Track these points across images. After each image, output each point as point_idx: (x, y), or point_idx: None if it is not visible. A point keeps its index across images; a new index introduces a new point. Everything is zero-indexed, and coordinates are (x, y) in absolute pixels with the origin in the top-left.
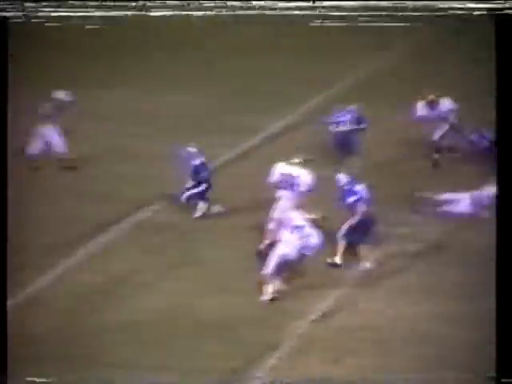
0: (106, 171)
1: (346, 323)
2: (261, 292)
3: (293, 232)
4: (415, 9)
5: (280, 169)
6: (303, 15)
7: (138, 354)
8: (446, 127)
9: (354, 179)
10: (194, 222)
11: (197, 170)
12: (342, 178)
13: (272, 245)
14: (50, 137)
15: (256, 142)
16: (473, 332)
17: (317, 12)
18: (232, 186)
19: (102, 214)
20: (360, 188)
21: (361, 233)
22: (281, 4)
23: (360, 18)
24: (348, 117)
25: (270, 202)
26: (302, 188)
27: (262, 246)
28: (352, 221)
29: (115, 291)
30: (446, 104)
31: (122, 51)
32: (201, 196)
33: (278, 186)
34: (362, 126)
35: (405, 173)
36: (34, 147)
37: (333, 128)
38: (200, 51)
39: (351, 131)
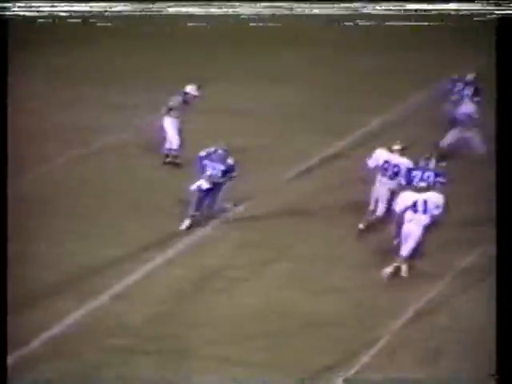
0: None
1: (440, 323)
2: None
3: (416, 211)
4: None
5: (380, 155)
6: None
7: (230, 348)
8: (456, 133)
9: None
10: (288, 217)
11: (229, 170)
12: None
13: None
14: (171, 131)
15: (353, 140)
16: None
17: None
18: (329, 183)
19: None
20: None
21: None
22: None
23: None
24: (469, 91)
25: (364, 201)
26: (402, 177)
27: (361, 226)
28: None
29: (209, 286)
30: (468, 107)
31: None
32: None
33: (377, 171)
34: (476, 98)
35: None
36: (167, 142)
37: (454, 102)
38: (301, 49)
39: (469, 104)
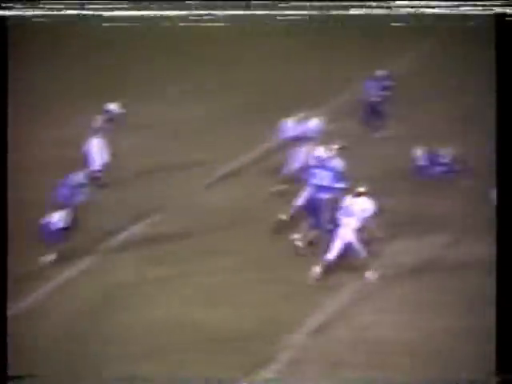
0: (118, 182)
1: (342, 335)
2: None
3: (349, 215)
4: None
5: (318, 152)
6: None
7: (138, 365)
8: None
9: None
10: (196, 232)
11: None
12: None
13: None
14: (97, 151)
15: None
16: (471, 345)
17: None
18: (238, 196)
19: (105, 225)
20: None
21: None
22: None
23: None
24: (379, 85)
25: (272, 213)
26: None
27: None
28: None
29: (115, 303)
30: (313, 123)
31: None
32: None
33: (310, 167)
34: (389, 92)
35: None
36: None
37: (366, 97)
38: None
39: (382, 99)
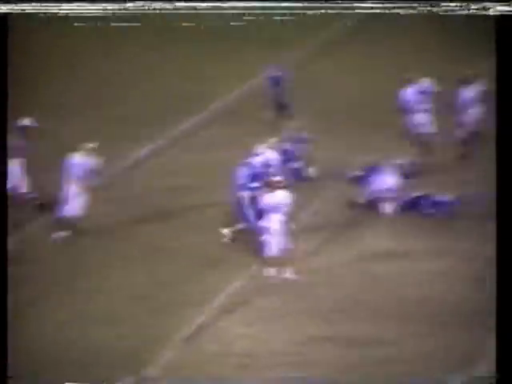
0: None
1: (209, 348)
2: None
3: (269, 213)
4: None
5: (260, 148)
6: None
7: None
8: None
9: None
10: (80, 249)
11: None
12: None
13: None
14: (17, 172)
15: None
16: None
17: None
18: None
19: None
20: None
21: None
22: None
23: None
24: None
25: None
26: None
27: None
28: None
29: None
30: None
31: None
32: None
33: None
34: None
35: None
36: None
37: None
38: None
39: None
